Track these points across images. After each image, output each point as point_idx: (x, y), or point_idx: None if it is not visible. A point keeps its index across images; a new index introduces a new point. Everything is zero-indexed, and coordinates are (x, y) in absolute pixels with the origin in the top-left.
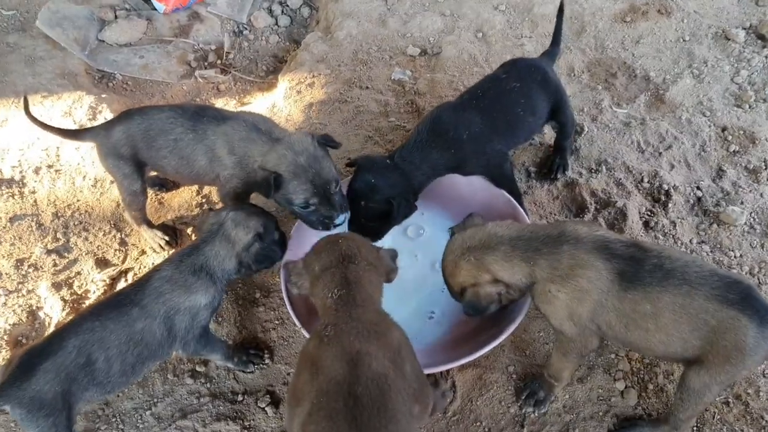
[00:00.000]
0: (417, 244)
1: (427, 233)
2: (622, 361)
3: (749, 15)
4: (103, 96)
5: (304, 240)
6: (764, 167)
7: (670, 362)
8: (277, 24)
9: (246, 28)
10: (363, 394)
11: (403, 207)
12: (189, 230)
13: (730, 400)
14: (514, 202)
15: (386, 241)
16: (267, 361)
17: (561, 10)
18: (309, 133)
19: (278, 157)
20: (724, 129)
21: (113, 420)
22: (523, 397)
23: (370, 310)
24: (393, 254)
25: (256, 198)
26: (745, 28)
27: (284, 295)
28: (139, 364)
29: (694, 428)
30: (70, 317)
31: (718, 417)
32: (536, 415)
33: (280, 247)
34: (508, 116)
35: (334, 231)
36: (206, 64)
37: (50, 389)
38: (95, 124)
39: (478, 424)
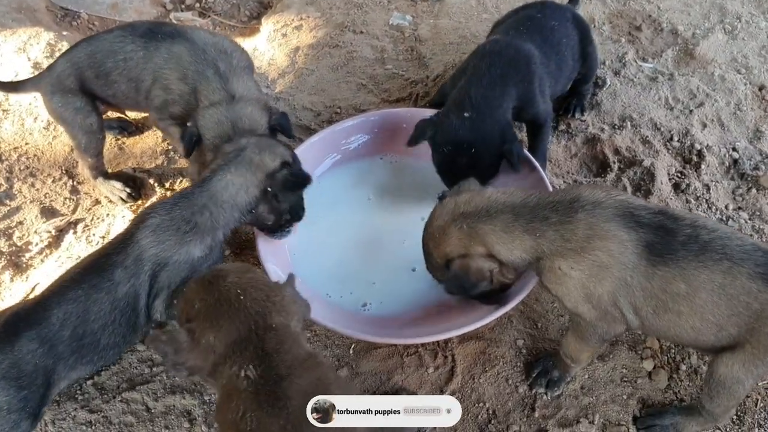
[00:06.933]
0: None
1: None
2: (649, 338)
3: None
4: (65, 33)
5: None
6: None
7: (697, 351)
8: None
9: None
10: None
11: (516, 149)
12: (151, 180)
13: None
14: (535, 162)
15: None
16: None
17: None
18: (268, 111)
19: (216, 124)
20: (761, 88)
21: None
22: (534, 375)
23: (298, 371)
24: (295, 295)
25: None
26: None
27: (259, 252)
28: (130, 333)
29: (734, 417)
30: (8, 271)
31: (761, 405)
32: (549, 397)
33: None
34: (557, 55)
35: None
36: (183, 6)
37: (32, 360)
38: (53, 62)
39: (481, 404)
